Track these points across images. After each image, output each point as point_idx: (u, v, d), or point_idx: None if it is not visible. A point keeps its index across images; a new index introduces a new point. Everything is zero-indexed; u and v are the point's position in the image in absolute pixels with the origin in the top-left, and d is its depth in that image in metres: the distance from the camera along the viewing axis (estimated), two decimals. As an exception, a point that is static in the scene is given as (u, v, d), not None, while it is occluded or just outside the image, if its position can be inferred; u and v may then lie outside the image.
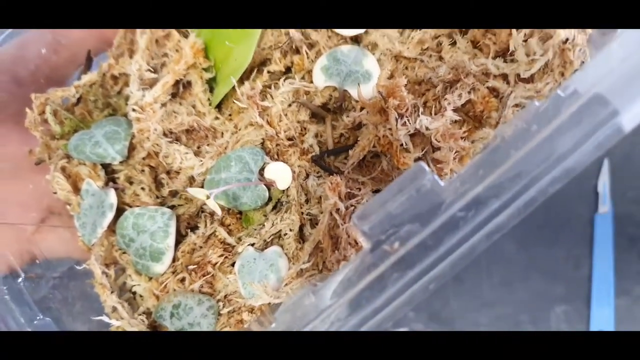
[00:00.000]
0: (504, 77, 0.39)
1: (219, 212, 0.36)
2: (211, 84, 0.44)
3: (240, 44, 0.41)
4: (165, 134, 0.41)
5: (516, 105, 0.37)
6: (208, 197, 0.35)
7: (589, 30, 0.36)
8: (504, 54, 0.39)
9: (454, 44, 0.42)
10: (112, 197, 0.41)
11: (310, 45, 0.42)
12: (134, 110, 0.41)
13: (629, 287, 0.58)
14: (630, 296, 0.57)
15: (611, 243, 0.59)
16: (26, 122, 0.45)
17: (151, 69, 0.43)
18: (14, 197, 0.46)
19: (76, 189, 0.43)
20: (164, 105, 0.42)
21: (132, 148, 0.42)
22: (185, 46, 0.42)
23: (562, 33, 0.35)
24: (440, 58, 0.41)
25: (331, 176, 0.36)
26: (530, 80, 0.38)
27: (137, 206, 0.42)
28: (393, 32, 0.42)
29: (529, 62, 0.36)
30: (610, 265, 0.59)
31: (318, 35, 0.42)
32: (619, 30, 0.32)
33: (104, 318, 0.38)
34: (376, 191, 0.39)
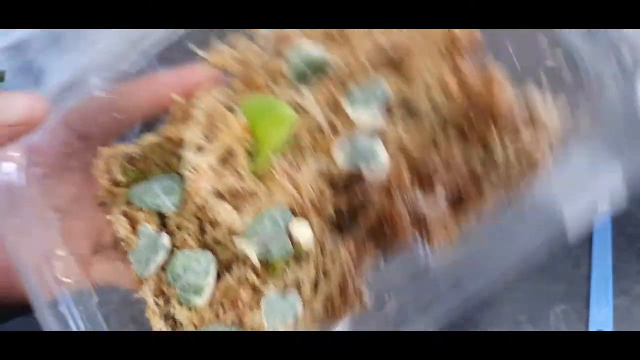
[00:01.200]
0: (484, 164, 0.49)
1: (256, 262, 0.46)
2: (251, 151, 0.54)
3: (278, 127, 0.51)
4: (212, 192, 0.51)
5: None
6: (248, 250, 0.45)
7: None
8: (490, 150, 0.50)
9: (447, 138, 0.53)
10: (165, 240, 0.51)
11: (332, 129, 0.53)
12: (188, 170, 0.51)
13: (627, 287, 0.58)
14: (629, 296, 0.57)
15: (609, 243, 0.59)
16: (94, 170, 0.56)
17: (203, 137, 0.53)
18: (78, 232, 0.55)
19: (134, 230, 0.53)
20: (213, 168, 0.52)
21: (184, 201, 0.52)
22: (234, 123, 0.52)
23: (525, 136, 0.45)
24: (436, 145, 0.51)
25: (345, 239, 0.46)
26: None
27: (185, 248, 0.51)
28: (399, 123, 0.53)
29: (501, 154, 0.47)
30: (609, 265, 0.59)
31: (336, 120, 0.53)
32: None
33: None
34: (381, 252, 0.50)
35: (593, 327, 0.56)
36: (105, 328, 0.46)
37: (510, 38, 0.52)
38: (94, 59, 0.51)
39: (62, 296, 0.47)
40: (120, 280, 0.54)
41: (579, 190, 0.39)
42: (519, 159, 0.46)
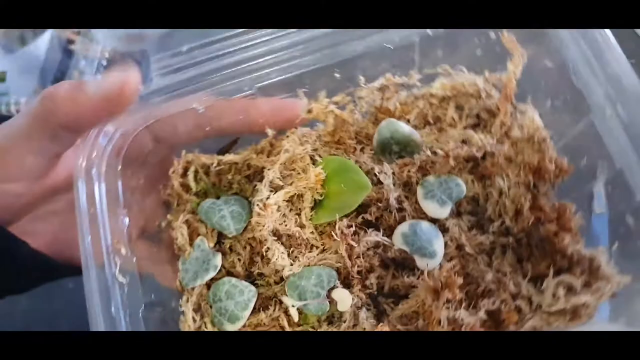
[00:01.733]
0: (529, 299, 0.51)
1: (296, 319, 0.49)
2: (316, 201, 0.57)
3: (352, 192, 0.54)
4: (273, 232, 0.54)
5: (531, 327, 0.49)
6: (293, 306, 0.48)
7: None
8: (536, 281, 0.51)
9: (504, 252, 0.54)
10: (218, 260, 0.54)
11: (400, 210, 0.55)
12: (258, 205, 0.54)
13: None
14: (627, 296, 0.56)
15: (607, 243, 0.57)
16: (170, 170, 0.59)
17: (280, 177, 0.56)
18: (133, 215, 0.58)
19: (190, 240, 0.56)
20: (279, 208, 0.55)
21: (245, 229, 0.55)
22: (312, 172, 0.55)
23: (583, 298, 0.47)
24: (490, 264, 0.53)
25: (382, 324, 0.49)
26: (546, 312, 0.50)
27: (232, 273, 0.55)
28: (464, 225, 0.55)
29: (550, 302, 0.48)
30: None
31: (408, 204, 0.55)
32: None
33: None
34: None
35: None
36: (140, 317, 0.49)
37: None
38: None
39: (110, 263, 0.49)
40: (153, 270, 0.57)
41: None
42: (567, 307, 0.47)
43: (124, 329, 0.46)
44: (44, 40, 0.52)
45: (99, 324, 0.46)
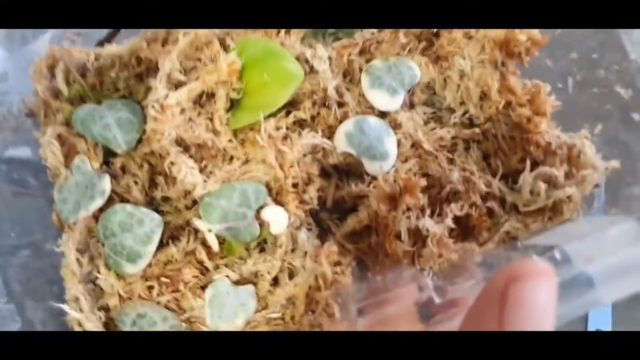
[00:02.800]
0: (502, 200, 0.42)
1: (216, 247, 0.37)
2: (233, 102, 0.44)
3: (278, 84, 0.41)
4: (177, 141, 0.41)
5: (506, 233, 0.41)
6: (210, 231, 0.36)
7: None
8: (507, 178, 0.43)
9: (467, 149, 0.45)
10: (106, 184, 0.40)
11: (340, 104, 0.44)
12: (153, 107, 0.40)
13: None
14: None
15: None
16: (31, 70, 0.43)
17: (182, 70, 0.42)
18: None
19: (67, 160, 0.42)
20: (183, 111, 0.41)
21: (140, 141, 0.42)
22: (223, 62, 0.41)
23: (568, 190, 0.38)
24: (452, 162, 0.43)
25: (328, 244, 0.38)
26: (523, 213, 0.41)
27: (128, 200, 0.41)
28: (419, 119, 0.44)
29: (529, 200, 0.40)
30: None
31: (350, 97, 0.44)
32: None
33: (64, 307, 0.38)
34: (359, 262, 0.42)
35: (592, 327, 0.53)
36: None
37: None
38: None
39: None
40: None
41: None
42: (548, 200, 0.39)
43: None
44: (45, 40, 0.46)
45: None
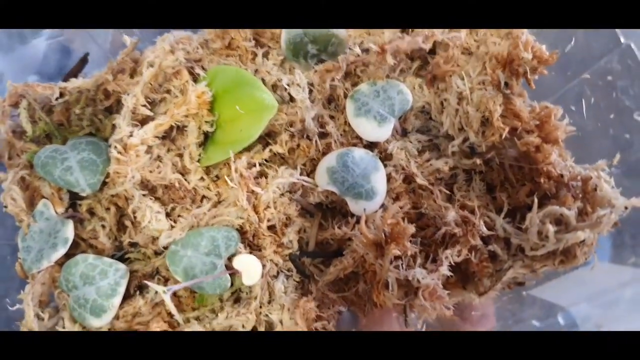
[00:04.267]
0: (507, 241, 0.37)
1: (174, 312, 0.34)
2: (207, 134, 0.40)
3: (251, 116, 0.37)
4: (142, 182, 0.38)
5: (511, 277, 0.36)
6: (165, 292, 0.32)
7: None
8: (515, 213, 0.37)
9: (469, 181, 0.40)
10: (68, 231, 0.37)
11: (323, 135, 0.39)
12: (116, 148, 0.37)
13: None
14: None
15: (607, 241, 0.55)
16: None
17: (148, 105, 0.39)
18: None
19: (30, 205, 0.39)
20: (149, 149, 0.38)
21: (104, 181, 0.38)
22: (192, 93, 0.38)
23: (581, 234, 0.33)
24: (451, 197, 0.38)
25: (304, 299, 0.34)
26: (530, 257, 0.36)
27: (93, 246, 0.38)
28: (412, 148, 0.40)
29: (537, 243, 0.34)
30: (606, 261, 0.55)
31: (334, 126, 0.39)
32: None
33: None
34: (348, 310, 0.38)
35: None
36: None
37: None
38: None
39: None
40: None
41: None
42: (559, 243, 0.34)
43: None
44: (43, 41, 0.46)
45: None
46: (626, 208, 0.34)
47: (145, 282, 0.33)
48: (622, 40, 0.33)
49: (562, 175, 0.36)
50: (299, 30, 0.40)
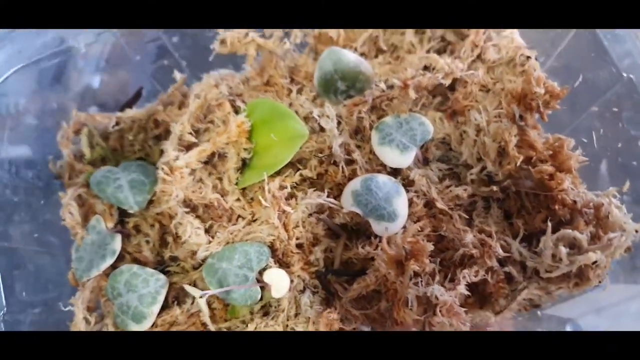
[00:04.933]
0: (522, 264, 0.39)
1: (206, 312, 0.36)
2: (245, 161, 0.44)
3: (284, 143, 0.41)
4: (185, 201, 0.42)
5: (527, 300, 0.37)
6: (200, 297, 0.35)
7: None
8: (531, 239, 0.39)
9: (487, 208, 0.42)
10: (117, 244, 0.41)
11: (349, 162, 0.43)
12: (163, 169, 0.41)
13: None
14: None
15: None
16: (58, 136, 0.46)
17: (193, 132, 0.43)
18: None
19: (85, 220, 0.44)
20: (193, 172, 0.42)
21: (150, 200, 0.43)
22: (233, 123, 0.42)
23: (592, 256, 0.34)
24: (470, 223, 0.41)
25: (328, 311, 0.36)
26: (545, 279, 0.37)
27: (139, 259, 0.42)
28: (433, 176, 0.42)
29: (551, 265, 0.36)
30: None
31: (359, 154, 0.43)
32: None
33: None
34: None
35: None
36: None
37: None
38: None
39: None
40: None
41: None
42: (572, 265, 0.35)
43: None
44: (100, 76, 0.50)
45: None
46: (637, 231, 0.35)
47: (184, 285, 0.36)
48: (624, 74, 0.36)
49: (575, 202, 0.38)
50: (330, 68, 0.44)
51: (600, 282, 0.36)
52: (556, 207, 0.38)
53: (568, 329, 0.28)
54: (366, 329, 0.40)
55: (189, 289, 0.36)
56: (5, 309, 0.37)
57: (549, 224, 0.37)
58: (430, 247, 0.36)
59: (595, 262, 0.35)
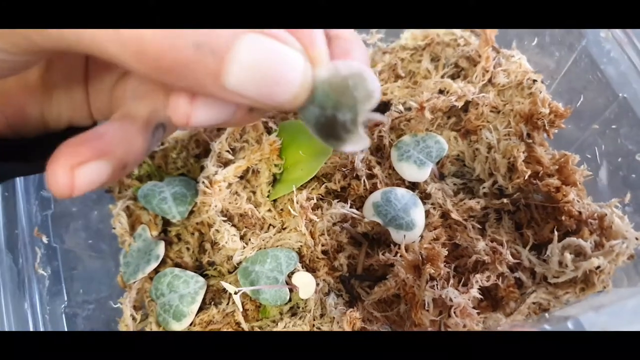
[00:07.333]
0: (532, 270, 0.42)
1: (240, 308, 0.40)
2: (276, 176, 0.49)
3: (310, 158, 0.46)
4: (222, 211, 0.46)
5: (534, 303, 0.40)
6: (236, 293, 0.39)
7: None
8: (540, 248, 0.42)
9: (499, 219, 0.45)
10: (160, 250, 0.46)
11: (370, 176, 0.47)
12: (203, 183, 0.46)
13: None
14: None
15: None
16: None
17: (230, 150, 0.48)
18: None
19: (132, 229, 0.49)
20: (230, 185, 0.47)
21: (191, 211, 0.47)
22: (266, 142, 0.47)
23: (595, 261, 0.37)
24: (482, 233, 0.44)
25: (351, 310, 0.40)
26: (553, 284, 0.40)
27: (178, 264, 0.47)
28: (449, 189, 0.46)
29: (558, 271, 0.39)
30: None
31: (379, 169, 0.47)
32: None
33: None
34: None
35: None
36: (61, 315, 0.41)
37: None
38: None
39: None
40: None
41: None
42: (577, 271, 0.38)
43: (39, 329, 0.39)
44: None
45: (7, 321, 0.38)
46: (637, 239, 0.38)
47: (222, 282, 0.40)
48: (620, 94, 0.40)
49: (580, 213, 0.41)
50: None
51: (604, 287, 0.38)
52: (563, 217, 0.41)
53: (569, 325, 0.31)
54: (387, 329, 0.43)
55: (227, 285, 0.40)
56: (66, 302, 0.42)
57: (555, 233, 0.40)
58: (444, 252, 0.40)
59: (599, 267, 0.37)
